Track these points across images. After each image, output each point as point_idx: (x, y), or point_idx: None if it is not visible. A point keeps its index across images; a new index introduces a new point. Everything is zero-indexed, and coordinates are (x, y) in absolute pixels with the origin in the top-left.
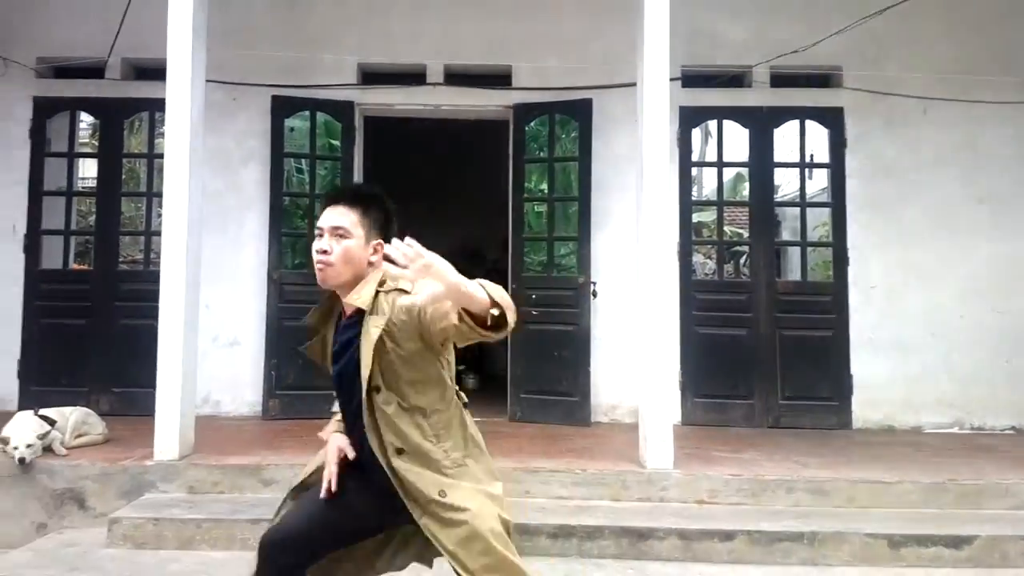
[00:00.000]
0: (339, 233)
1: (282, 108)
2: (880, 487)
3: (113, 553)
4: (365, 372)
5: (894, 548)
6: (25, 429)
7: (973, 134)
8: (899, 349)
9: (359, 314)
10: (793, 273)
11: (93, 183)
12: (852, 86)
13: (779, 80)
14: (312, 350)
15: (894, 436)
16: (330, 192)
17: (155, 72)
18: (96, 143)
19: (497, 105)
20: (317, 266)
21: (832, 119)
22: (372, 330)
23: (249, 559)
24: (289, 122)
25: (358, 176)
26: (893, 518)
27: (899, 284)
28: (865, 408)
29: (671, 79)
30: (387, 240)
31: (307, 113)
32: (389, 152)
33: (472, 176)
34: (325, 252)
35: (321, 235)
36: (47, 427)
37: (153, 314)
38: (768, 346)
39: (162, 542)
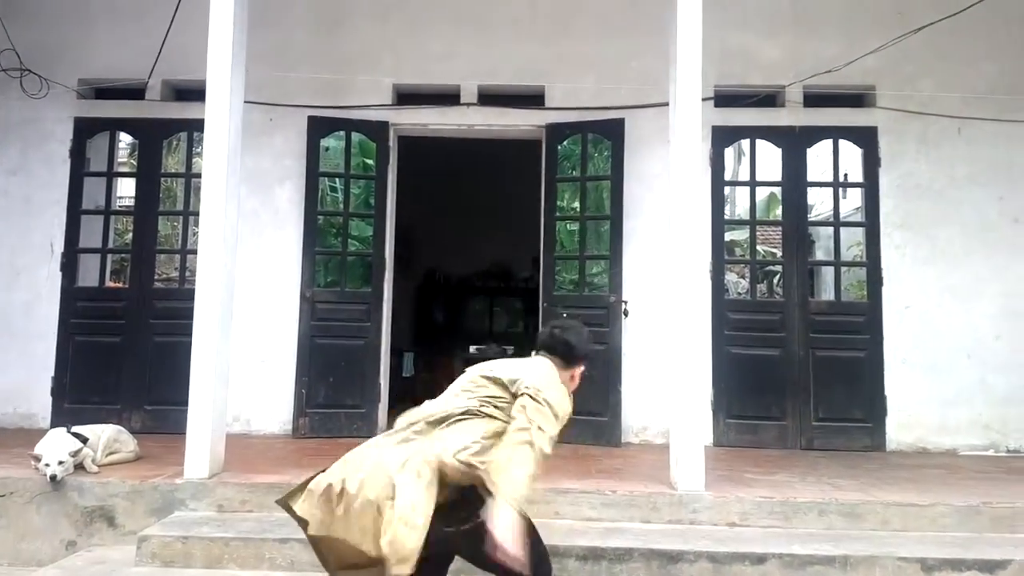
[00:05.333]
0: None
1: (318, 128)
2: (914, 510)
3: (141, 572)
4: None
5: (927, 572)
6: (57, 446)
7: (1008, 153)
8: (934, 370)
9: None
10: (827, 293)
11: (131, 202)
12: (886, 105)
13: (812, 99)
14: None
15: (928, 458)
16: None
17: (194, 93)
18: (135, 162)
19: (530, 125)
20: None
21: (866, 138)
22: None
23: None
24: (324, 142)
25: (391, 194)
26: (926, 541)
27: (934, 304)
28: (899, 430)
29: (704, 99)
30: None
31: (342, 133)
32: (422, 170)
33: (504, 194)
34: None
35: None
36: (79, 444)
37: (186, 332)
38: (801, 366)
39: (190, 560)
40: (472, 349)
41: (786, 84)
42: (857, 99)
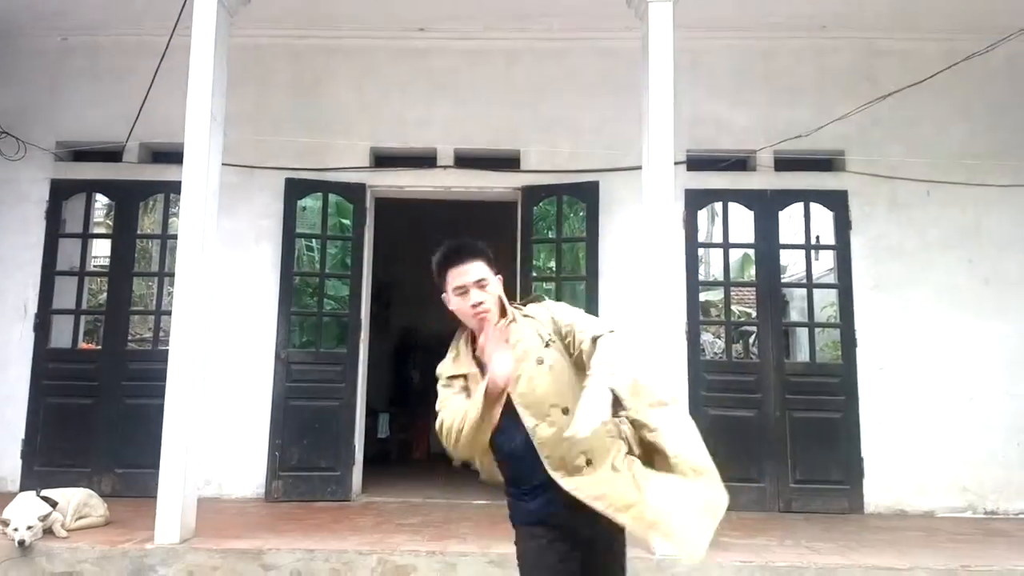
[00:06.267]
0: (482, 284)
1: (296, 190)
2: (892, 574)
3: None
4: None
5: None
6: (26, 510)
7: (977, 216)
8: (910, 431)
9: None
10: (802, 354)
11: (106, 262)
12: (855, 169)
13: (783, 164)
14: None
15: (906, 520)
16: (449, 254)
17: (172, 156)
18: (111, 223)
19: (506, 187)
20: (479, 316)
21: (836, 201)
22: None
23: None
24: (302, 202)
25: (368, 254)
26: None
27: (908, 366)
28: (877, 492)
29: (676, 162)
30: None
31: (320, 194)
32: (399, 230)
33: None
34: (481, 303)
35: (467, 291)
36: (48, 508)
37: (159, 394)
38: (778, 428)
39: None
40: None
41: (757, 149)
42: (827, 163)
